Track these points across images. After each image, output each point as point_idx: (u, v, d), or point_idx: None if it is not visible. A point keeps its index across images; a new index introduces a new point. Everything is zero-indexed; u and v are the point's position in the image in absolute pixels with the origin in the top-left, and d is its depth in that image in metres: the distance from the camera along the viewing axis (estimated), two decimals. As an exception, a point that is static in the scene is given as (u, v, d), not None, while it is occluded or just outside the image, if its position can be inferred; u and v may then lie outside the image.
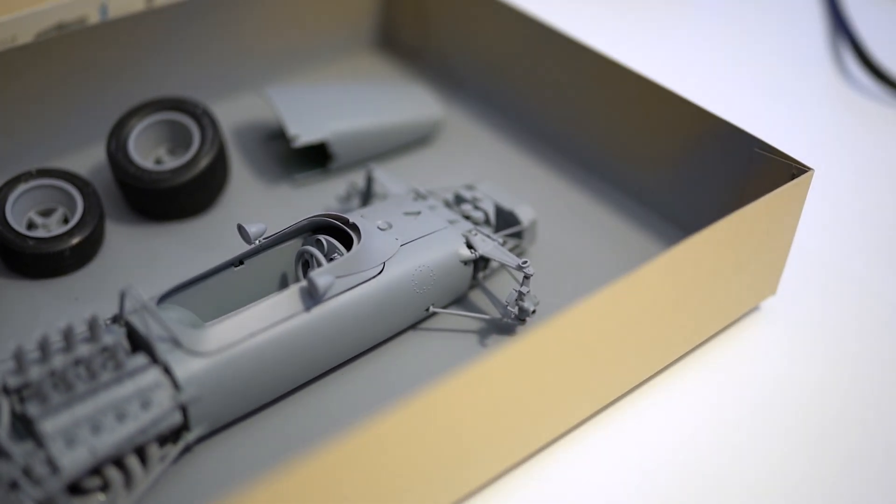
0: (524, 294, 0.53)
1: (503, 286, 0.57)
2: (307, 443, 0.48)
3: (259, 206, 0.62)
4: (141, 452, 0.46)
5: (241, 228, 0.52)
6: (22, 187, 0.57)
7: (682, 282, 0.50)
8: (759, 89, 0.76)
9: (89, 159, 0.64)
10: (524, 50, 0.67)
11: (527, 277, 0.53)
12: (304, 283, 0.49)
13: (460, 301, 0.56)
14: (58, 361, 0.45)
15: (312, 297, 0.49)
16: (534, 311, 0.54)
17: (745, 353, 0.55)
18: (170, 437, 0.47)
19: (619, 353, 0.50)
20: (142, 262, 0.58)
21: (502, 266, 0.57)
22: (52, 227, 0.57)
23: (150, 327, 0.46)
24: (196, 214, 0.61)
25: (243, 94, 0.70)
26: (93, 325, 0.46)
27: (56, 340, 0.46)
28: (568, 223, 0.61)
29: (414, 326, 0.55)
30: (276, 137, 0.67)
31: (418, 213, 0.55)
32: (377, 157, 0.65)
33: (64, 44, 0.61)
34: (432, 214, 0.55)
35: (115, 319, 0.49)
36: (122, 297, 0.48)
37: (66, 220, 0.58)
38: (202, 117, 0.60)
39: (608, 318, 0.47)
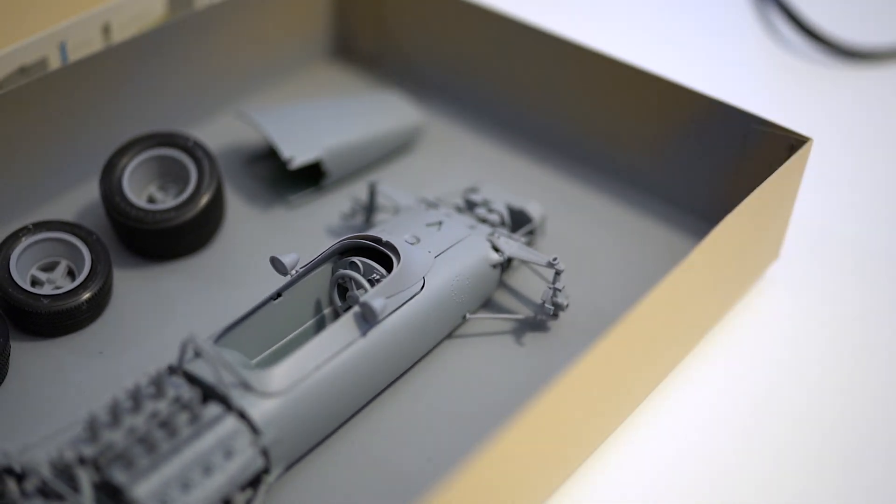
0: (559, 290, 0.54)
1: (521, 283, 0.58)
2: (386, 460, 0.49)
3: (259, 233, 0.61)
4: (227, 502, 0.45)
5: (275, 261, 0.51)
6: (22, 244, 0.55)
7: (714, 266, 0.52)
8: (692, 61, 0.78)
9: (74, 204, 0.62)
10: (490, 46, 0.67)
11: (558, 273, 0.54)
12: (356, 308, 0.49)
13: (486, 303, 0.57)
14: (137, 422, 0.44)
15: (367, 320, 0.49)
16: (567, 306, 0.55)
17: (761, 320, 0.58)
18: (252, 481, 0.46)
19: (668, 337, 0.52)
20: (155, 306, 0.57)
21: (524, 264, 0.58)
22: (58, 282, 0.55)
23: (220, 374, 0.45)
24: (198, 250, 0.60)
25: (212, 118, 0.68)
26: (159, 381, 0.45)
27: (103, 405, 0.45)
28: (568, 215, 0.62)
29: (449, 334, 0.55)
30: (258, 159, 0.65)
31: (440, 223, 0.55)
32: (365, 169, 0.65)
33: (26, 93, 0.59)
34: (452, 223, 0.56)
35: (173, 370, 0.47)
36: (184, 346, 0.47)
37: (70, 273, 0.56)
38: (195, 150, 0.59)
39: (664, 308, 0.49)
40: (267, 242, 0.61)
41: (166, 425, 0.44)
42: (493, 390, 0.53)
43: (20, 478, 0.45)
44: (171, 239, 0.58)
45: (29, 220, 0.60)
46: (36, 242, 0.55)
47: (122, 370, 0.53)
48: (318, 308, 0.54)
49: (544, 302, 0.55)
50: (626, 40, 0.75)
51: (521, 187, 0.63)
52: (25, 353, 0.54)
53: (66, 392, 0.52)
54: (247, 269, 0.59)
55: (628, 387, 0.51)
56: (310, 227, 0.61)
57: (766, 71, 0.79)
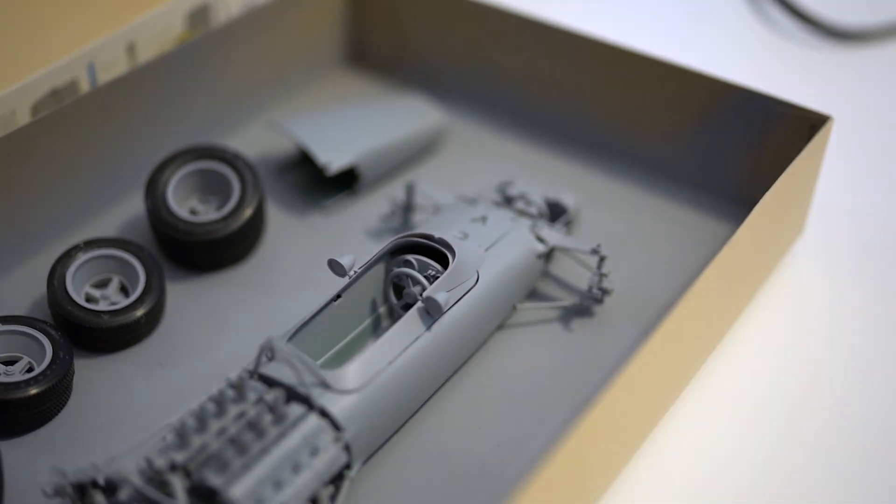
0: (604, 275, 0.56)
1: (561, 272, 0.60)
2: (457, 449, 0.51)
3: (299, 239, 0.62)
4: (314, 499, 0.46)
5: (333, 263, 0.53)
6: (76, 262, 0.56)
7: (753, 246, 0.55)
8: (684, 47, 0.80)
9: (115, 221, 0.63)
10: (504, 45, 0.69)
11: (602, 259, 0.56)
12: (419, 304, 0.51)
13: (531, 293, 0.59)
14: (224, 426, 0.45)
15: (431, 314, 0.51)
16: (612, 291, 0.57)
17: (795, 293, 0.60)
18: (334, 477, 0.47)
19: (716, 315, 0.54)
20: (207, 316, 0.58)
21: (564, 253, 0.60)
22: (112, 298, 0.56)
23: (300, 374, 0.47)
24: (243, 259, 0.61)
25: (235, 131, 0.69)
26: (240, 385, 0.47)
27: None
28: (597, 206, 0.64)
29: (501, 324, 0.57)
30: (288, 168, 0.67)
31: (484, 218, 0.57)
32: (394, 171, 0.66)
33: (62, 116, 0.59)
34: (495, 217, 0.57)
35: (250, 374, 0.49)
36: (262, 350, 0.48)
37: (123, 288, 0.57)
38: (235, 161, 0.60)
39: (713, 288, 0.51)
40: (308, 248, 0.62)
41: (254, 427, 0.45)
42: (549, 375, 0.54)
43: (106, 490, 0.46)
44: (220, 249, 0.59)
45: (72, 239, 0.61)
46: (88, 260, 0.56)
47: (184, 380, 0.54)
48: (374, 307, 0.55)
49: (591, 287, 0.57)
50: (616, 29, 0.77)
51: (548, 181, 0.65)
52: (87, 369, 0.54)
53: (132, 404, 0.53)
54: (292, 276, 0.60)
55: (686, 364, 0.53)
56: (348, 231, 0.63)
57: (757, 55, 0.81)
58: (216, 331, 0.57)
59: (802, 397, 0.55)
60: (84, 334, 0.54)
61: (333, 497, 0.47)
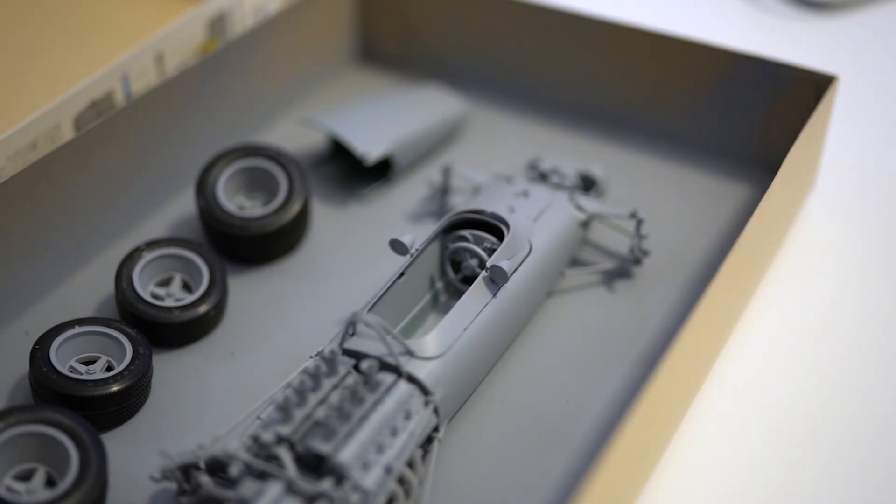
0: (643, 237, 0.60)
1: (596, 238, 0.63)
2: (529, 406, 0.54)
3: (342, 228, 0.65)
4: (409, 462, 0.49)
5: (396, 242, 0.55)
6: (140, 263, 0.58)
7: (779, 206, 0.58)
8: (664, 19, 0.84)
9: (163, 221, 0.65)
10: (514, 30, 0.72)
11: (639, 222, 0.60)
12: (484, 274, 0.54)
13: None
14: (324, 397, 0.48)
15: (496, 282, 0.54)
16: (650, 252, 0.60)
17: (815, 245, 0.64)
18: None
19: (751, 272, 0.58)
20: (266, 305, 0.60)
21: (600, 220, 0.63)
22: (177, 295, 0.58)
23: (388, 344, 0.49)
24: (291, 251, 0.63)
25: (258, 132, 0.72)
26: (331, 359, 0.49)
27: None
28: (619, 178, 0.67)
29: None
30: (319, 163, 0.69)
31: (526, 192, 0.60)
32: (423, 158, 0.69)
33: (103, 130, 0.61)
34: (535, 191, 0.61)
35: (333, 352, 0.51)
36: (348, 324, 0.50)
37: (185, 285, 0.59)
38: (279, 156, 0.63)
39: (750, 247, 0.55)
40: (352, 235, 0.64)
41: (353, 395, 0.48)
42: (601, 334, 0.58)
43: (209, 471, 0.48)
44: (273, 242, 0.61)
45: (124, 243, 0.63)
46: (152, 260, 0.58)
47: (257, 366, 0.57)
48: (432, 283, 0.58)
49: (633, 249, 0.60)
50: (613, 7, 0.80)
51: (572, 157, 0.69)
52: (161, 364, 0.56)
53: (210, 393, 0.55)
54: (341, 262, 0.63)
55: (731, 317, 0.57)
56: (387, 217, 0.66)
57: (739, 27, 0.85)
58: (278, 318, 0.59)
59: (834, 339, 0.59)
60: (156, 331, 0.56)
61: (424, 458, 0.50)
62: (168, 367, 0.56)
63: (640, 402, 0.45)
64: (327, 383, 0.49)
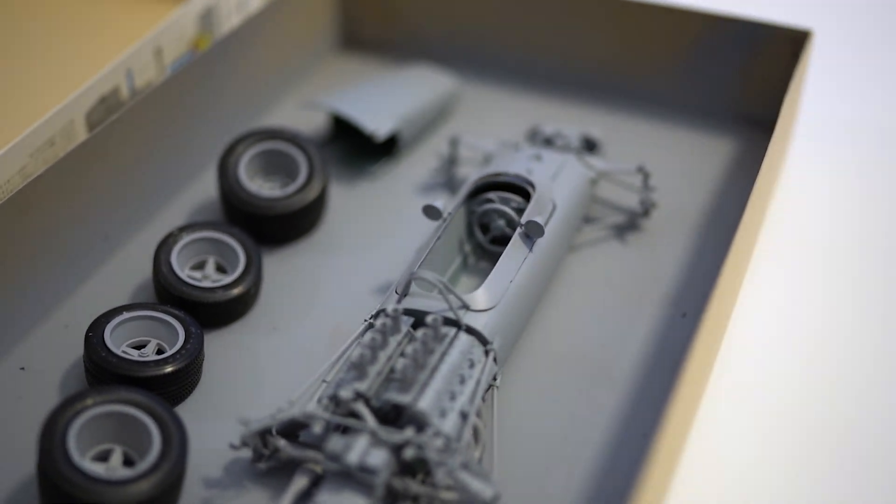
0: (652, 189, 0.64)
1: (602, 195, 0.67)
2: (572, 347, 0.57)
3: (358, 204, 0.67)
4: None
5: (429, 208, 0.58)
6: (177, 247, 0.59)
7: (774, 157, 0.63)
8: None
9: (184, 207, 0.67)
10: (494, 7, 0.75)
11: (646, 176, 0.63)
12: (519, 230, 0.57)
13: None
14: (394, 353, 0.50)
15: (532, 237, 0.57)
16: (657, 204, 0.64)
17: (801, 186, 0.69)
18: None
19: (758, 221, 0.63)
20: (299, 280, 0.62)
21: (609, 177, 0.66)
22: (213, 277, 0.60)
23: (448, 299, 0.52)
24: (313, 230, 0.65)
25: (258, 121, 0.73)
26: (395, 318, 0.51)
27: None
28: (613, 142, 0.71)
29: (569, 245, 0.64)
30: (325, 143, 0.71)
31: (538, 155, 0.63)
32: (422, 134, 0.72)
33: (115, 126, 0.62)
34: (546, 154, 0.64)
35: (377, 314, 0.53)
36: (408, 282, 0.53)
37: (219, 267, 0.60)
38: (296, 138, 0.64)
39: (760, 199, 0.59)
40: (368, 211, 0.67)
41: (423, 348, 0.50)
42: (623, 282, 0.61)
43: (282, 435, 0.50)
44: (297, 221, 0.63)
45: (150, 231, 0.64)
46: (187, 244, 0.60)
47: (299, 337, 0.58)
48: (461, 247, 0.61)
49: (643, 202, 0.64)
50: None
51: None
52: (206, 344, 0.58)
53: (260, 366, 0.57)
54: (362, 236, 0.65)
55: (745, 263, 0.61)
56: (398, 191, 0.68)
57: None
58: (311, 291, 0.61)
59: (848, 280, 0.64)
60: (199, 311, 0.58)
61: (485, 401, 0.53)
62: (214, 346, 0.58)
63: (696, 341, 0.48)
64: (394, 340, 0.51)
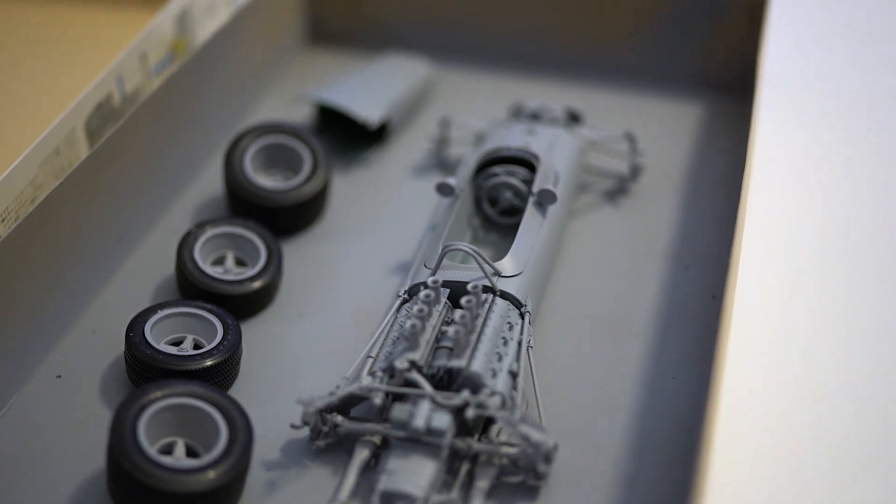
0: (640, 154, 0.67)
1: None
2: (589, 304, 0.61)
3: (357, 189, 0.69)
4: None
5: (443, 185, 0.60)
6: (198, 244, 0.60)
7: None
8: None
9: (191, 204, 0.68)
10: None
11: (633, 140, 0.67)
12: (532, 199, 0.60)
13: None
14: (438, 323, 0.53)
15: (544, 204, 0.60)
16: (645, 167, 0.68)
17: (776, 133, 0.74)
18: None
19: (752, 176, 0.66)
20: (315, 267, 0.64)
21: (597, 145, 0.70)
22: (234, 271, 0.61)
23: (483, 267, 0.55)
24: (317, 220, 0.67)
25: (242, 121, 0.75)
26: (436, 289, 0.54)
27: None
28: (590, 113, 0.74)
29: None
30: (317, 132, 0.73)
31: (531, 130, 0.66)
32: (405, 119, 0.74)
33: (117, 135, 0.63)
34: (538, 128, 0.67)
35: (425, 285, 0.56)
36: (443, 254, 0.55)
37: (239, 261, 0.62)
38: (297, 131, 0.66)
39: (753, 161, 0.63)
40: (368, 195, 0.69)
41: (469, 315, 0.53)
42: (621, 241, 0.65)
43: (337, 412, 0.52)
44: (305, 211, 0.65)
45: (155, 231, 0.65)
46: (207, 240, 0.61)
47: (328, 321, 0.60)
48: (469, 221, 0.63)
49: (632, 167, 0.67)
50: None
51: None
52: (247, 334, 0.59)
53: (295, 352, 0.59)
54: (367, 220, 0.67)
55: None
56: (393, 175, 0.70)
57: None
58: (330, 277, 0.63)
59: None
60: (229, 304, 0.59)
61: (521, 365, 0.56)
62: (245, 337, 0.59)
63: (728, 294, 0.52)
64: (436, 310, 0.54)
